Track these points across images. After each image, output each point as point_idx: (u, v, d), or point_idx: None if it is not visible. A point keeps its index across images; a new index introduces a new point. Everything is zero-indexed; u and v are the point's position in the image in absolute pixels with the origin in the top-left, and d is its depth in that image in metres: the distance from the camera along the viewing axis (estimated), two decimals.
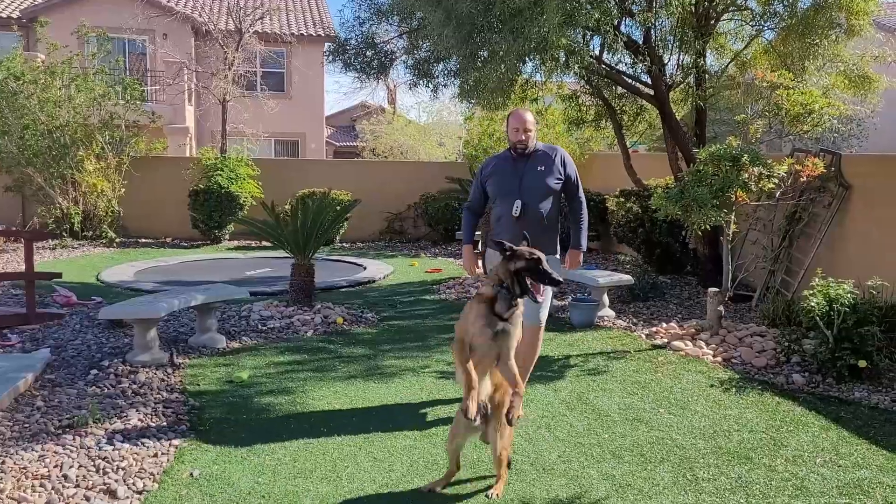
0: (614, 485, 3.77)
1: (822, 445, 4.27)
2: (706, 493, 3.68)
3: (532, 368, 4.87)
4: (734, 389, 5.28)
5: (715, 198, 6.06)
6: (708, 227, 6.31)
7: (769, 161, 6.32)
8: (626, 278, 7.79)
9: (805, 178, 6.69)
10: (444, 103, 26.63)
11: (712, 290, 6.67)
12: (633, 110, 10.50)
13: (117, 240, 13.60)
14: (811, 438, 4.37)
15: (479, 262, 5.22)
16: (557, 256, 4.79)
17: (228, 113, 16.99)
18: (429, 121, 28.58)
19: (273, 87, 22.21)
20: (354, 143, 31.33)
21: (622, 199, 10.28)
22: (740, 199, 6.17)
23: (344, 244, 14.54)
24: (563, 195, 4.80)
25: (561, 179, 4.70)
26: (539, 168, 4.65)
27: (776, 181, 6.29)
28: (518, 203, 4.58)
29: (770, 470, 3.94)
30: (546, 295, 4.71)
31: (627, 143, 10.35)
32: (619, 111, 10.17)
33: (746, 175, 6.10)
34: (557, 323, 7.24)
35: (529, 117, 4.67)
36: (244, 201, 13.75)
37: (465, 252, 4.97)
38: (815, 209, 7.52)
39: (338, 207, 8.31)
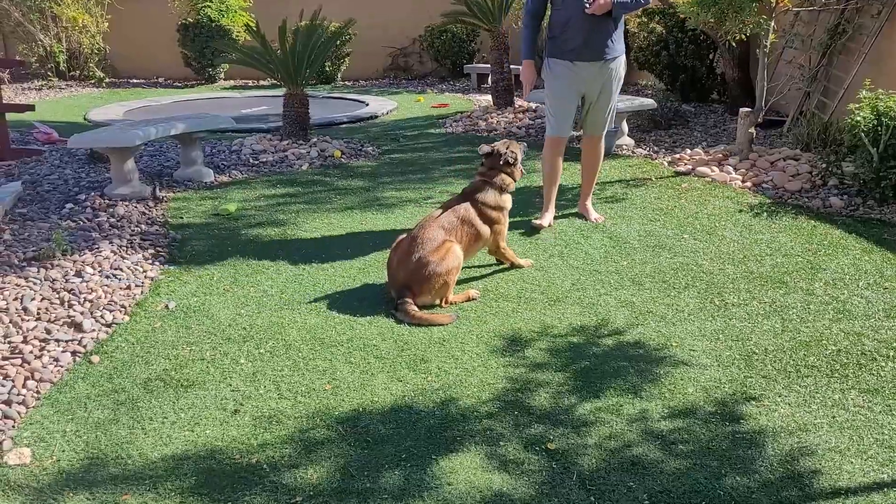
0: (634, 312, 3.40)
1: (865, 268, 3.85)
2: (737, 318, 3.30)
3: (594, 181, 4.92)
4: (765, 214, 4.82)
5: (754, 1, 5.30)
6: (744, 36, 5.58)
7: None
8: (648, 102, 7.13)
9: None
10: None
11: (744, 109, 6.05)
12: None
13: (106, 80, 12.86)
14: (852, 261, 3.95)
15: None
16: (623, 57, 4.68)
17: None
18: None
19: None
20: None
21: (644, 19, 9.32)
22: (781, 3, 5.40)
23: (346, 83, 13.72)
24: None
25: None
26: None
27: None
28: None
29: (808, 294, 3.54)
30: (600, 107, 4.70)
31: None
32: None
33: None
34: (571, 151, 6.69)
35: None
36: (237, 35, 12.81)
37: (525, 67, 4.58)
38: (860, 19, 6.71)
39: (331, 30, 7.55)
